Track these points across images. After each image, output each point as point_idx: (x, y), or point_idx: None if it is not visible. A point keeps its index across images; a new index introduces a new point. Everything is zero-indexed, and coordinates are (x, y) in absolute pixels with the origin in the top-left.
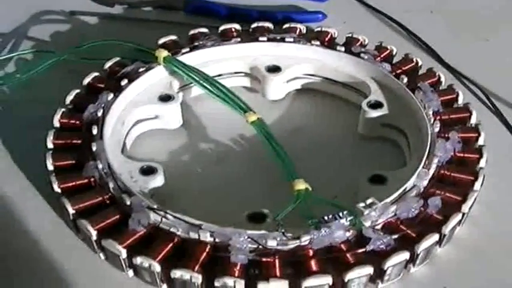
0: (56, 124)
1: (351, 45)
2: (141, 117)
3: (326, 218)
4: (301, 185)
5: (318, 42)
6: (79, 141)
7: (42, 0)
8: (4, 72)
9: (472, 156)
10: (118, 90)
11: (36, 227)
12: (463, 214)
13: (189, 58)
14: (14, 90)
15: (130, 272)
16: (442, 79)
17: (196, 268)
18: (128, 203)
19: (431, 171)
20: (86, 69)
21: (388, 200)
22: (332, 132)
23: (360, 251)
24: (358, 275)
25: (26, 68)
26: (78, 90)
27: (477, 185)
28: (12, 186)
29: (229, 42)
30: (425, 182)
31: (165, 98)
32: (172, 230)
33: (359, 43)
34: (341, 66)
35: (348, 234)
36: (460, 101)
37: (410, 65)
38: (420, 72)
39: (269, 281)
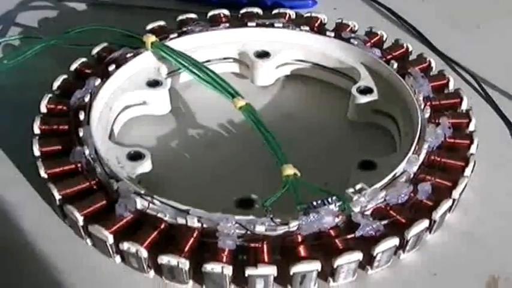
0: (43, 110)
1: (340, 31)
2: (129, 103)
3: (315, 203)
4: (289, 171)
5: (307, 28)
6: (66, 127)
7: None
8: None
9: (462, 142)
10: (106, 75)
11: (22, 213)
12: (454, 200)
13: (177, 44)
14: (1, 76)
15: (118, 258)
16: (433, 65)
17: (184, 254)
18: (115, 188)
19: (422, 157)
20: (73, 55)
21: (378, 185)
22: (322, 118)
23: (349, 236)
24: (347, 261)
25: (13, 54)
26: (65, 76)
27: (468, 171)
28: None
29: (218, 27)
30: (415, 168)
31: (153, 84)
32: (159, 215)
33: (349, 29)
34: (331, 52)
35: (336, 219)
36: (451, 86)
37: (400, 51)
38: (410, 58)
39: (257, 266)
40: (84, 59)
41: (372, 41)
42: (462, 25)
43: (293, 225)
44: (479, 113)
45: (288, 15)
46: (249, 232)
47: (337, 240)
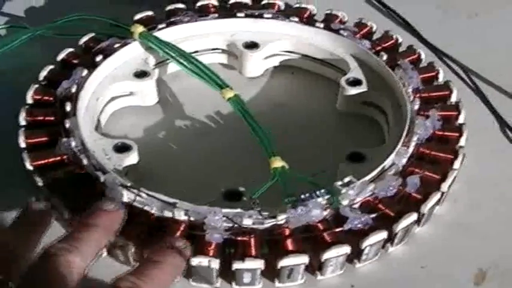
0: (29, 100)
1: (330, 22)
2: (116, 94)
3: (303, 196)
4: (278, 163)
5: (296, 19)
6: (52, 118)
7: None
8: None
9: (452, 135)
10: (93, 66)
11: (7, 206)
12: (443, 193)
13: (165, 34)
14: None
15: (104, 252)
16: (423, 57)
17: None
18: (102, 180)
19: (411, 149)
20: (61, 45)
21: (366, 178)
22: (311, 110)
23: (337, 230)
24: (336, 254)
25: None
26: (52, 66)
27: (457, 164)
28: None
29: (206, 18)
30: (404, 160)
31: (141, 75)
32: (146, 208)
33: (338, 20)
34: (320, 43)
35: (325, 213)
36: (441, 78)
37: (390, 42)
38: (400, 49)
39: (244, 260)
40: (71, 49)
41: (362, 33)
42: (452, 17)
43: (281, 218)
44: (469, 105)
45: (277, 6)
46: (236, 225)
47: (325, 234)
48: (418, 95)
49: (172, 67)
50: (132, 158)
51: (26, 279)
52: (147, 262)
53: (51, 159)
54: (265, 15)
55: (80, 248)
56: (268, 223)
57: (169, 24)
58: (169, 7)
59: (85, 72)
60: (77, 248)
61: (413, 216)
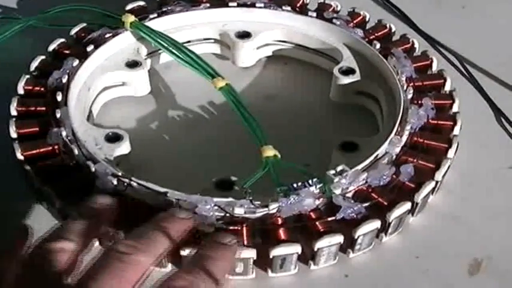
0: (20, 91)
1: (323, 11)
2: (107, 84)
3: (295, 185)
4: (269, 152)
5: (289, 8)
6: (43, 108)
7: None
8: None
9: (445, 123)
10: (84, 56)
11: None
12: (437, 182)
13: (157, 24)
14: None
15: (96, 242)
16: (416, 45)
17: None
18: (93, 170)
19: (404, 138)
20: (52, 35)
21: (359, 167)
22: (304, 99)
23: (330, 219)
24: (328, 243)
25: None
26: (43, 57)
27: (451, 153)
28: None
29: (198, 7)
30: (397, 149)
31: (133, 65)
32: (137, 197)
33: (331, 9)
34: (313, 32)
35: (317, 202)
36: (434, 67)
37: (383, 31)
38: (394, 38)
39: None
40: (62, 40)
41: (355, 22)
42: (446, 6)
43: (273, 207)
44: (463, 94)
45: None
46: (228, 214)
47: (317, 223)
48: (411, 84)
49: (165, 57)
50: (123, 148)
51: (89, 274)
52: (200, 258)
53: (42, 149)
54: (258, 5)
55: (149, 248)
56: (260, 212)
57: (161, 14)
58: None
59: (76, 62)
60: (148, 251)
61: (407, 205)
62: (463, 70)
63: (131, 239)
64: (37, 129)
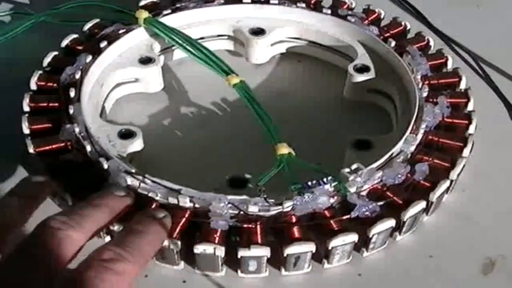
0: (33, 87)
1: (337, 8)
2: (120, 80)
3: (309, 183)
4: (284, 149)
5: (303, 5)
6: (56, 104)
7: None
8: None
9: (461, 122)
10: (97, 52)
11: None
12: (451, 181)
13: (170, 20)
14: None
15: (108, 238)
16: (431, 43)
17: (175, 234)
18: (106, 167)
19: (419, 136)
20: (64, 31)
21: (374, 165)
22: (317, 97)
23: (344, 217)
24: (342, 242)
25: (2, 30)
26: (56, 53)
27: (466, 151)
28: None
29: (212, 4)
30: (412, 148)
31: (146, 61)
32: (150, 195)
33: (346, 6)
34: (327, 29)
35: (332, 200)
36: (449, 65)
37: (398, 29)
38: (409, 36)
39: (250, 248)
40: (75, 35)
41: (370, 19)
42: (461, 3)
43: (287, 205)
44: (478, 92)
45: None
46: (242, 212)
47: (332, 221)
48: (426, 82)
49: (178, 53)
50: (136, 145)
51: (21, 248)
52: (129, 232)
53: (54, 146)
54: (272, 1)
55: (81, 224)
56: (274, 210)
57: (174, 10)
58: None
59: (89, 58)
60: (78, 224)
61: (422, 204)
62: (477, 68)
63: (65, 215)
64: (49, 125)
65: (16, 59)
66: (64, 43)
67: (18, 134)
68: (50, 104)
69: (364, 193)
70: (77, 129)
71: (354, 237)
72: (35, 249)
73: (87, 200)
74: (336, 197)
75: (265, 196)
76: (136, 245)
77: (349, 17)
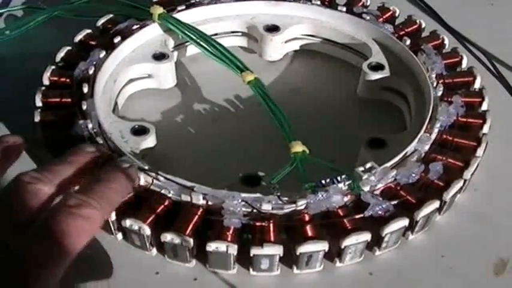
0: (46, 82)
1: (352, 6)
2: (134, 76)
3: (323, 181)
4: (298, 147)
5: (318, 2)
6: (69, 100)
7: None
8: None
9: (475, 121)
10: (111, 47)
11: None
12: (465, 181)
13: (185, 16)
14: (3, 46)
15: (119, 235)
16: (446, 42)
17: (188, 232)
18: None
19: (433, 135)
20: (78, 26)
21: (388, 164)
22: (331, 95)
23: (358, 216)
24: (355, 241)
25: (16, 24)
26: (69, 48)
27: (480, 151)
28: None
29: (226, 0)
30: (426, 147)
31: (159, 57)
32: (163, 192)
33: (361, 3)
34: (342, 27)
35: (345, 199)
36: (464, 64)
37: (413, 27)
38: (423, 34)
39: (263, 246)
40: (88, 31)
41: (384, 17)
42: (475, 2)
43: (301, 203)
44: (492, 92)
45: None
46: (255, 210)
47: (345, 220)
48: (441, 81)
49: (192, 49)
50: (149, 141)
51: None
52: (96, 180)
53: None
54: None
55: (53, 181)
56: (288, 208)
57: (189, 6)
58: None
59: (103, 53)
60: (49, 180)
61: (435, 204)
62: (491, 67)
63: (37, 171)
64: (62, 120)
65: (29, 53)
66: (77, 38)
67: (30, 128)
68: (63, 100)
69: (377, 192)
70: (90, 125)
71: (367, 236)
72: (7, 201)
73: (60, 157)
74: (349, 196)
75: (278, 194)
76: (101, 193)
77: (364, 15)
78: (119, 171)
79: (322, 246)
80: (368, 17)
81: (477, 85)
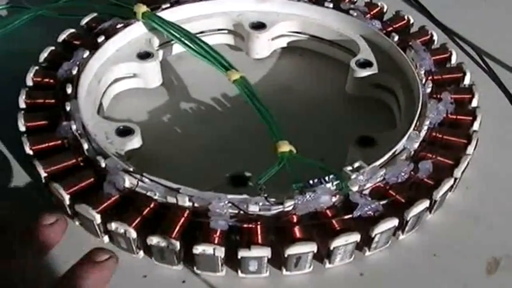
0: (29, 82)
1: (339, 2)
2: (118, 76)
3: (311, 182)
4: (285, 147)
5: None
6: (53, 101)
7: None
8: None
9: (465, 118)
10: (95, 47)
11: (7, 190)
12: (455, 179)
13: (169, 14)
14: None
15: (106, 238)
16: (435, 38)
17: (174, 234)
18: (103, 165)
19: (423, 133)
20: (62, 25)
21: (377, 163)
22: (319, 92)
23: (347, 217)
24: (345, 242)
25: (0, 24)
26: (52, 48)
27: (470, 149)
28: None
29: None
30: (416, 145)
31: (144, 56)
32: (149, 194)
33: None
34: (329, 24)
35: (334, 199)
36: (453, 60)
37: (401, 23)
38: (412, 30)
39: (251, 248)
40: (72, 30)
41: (372, 13)
42: None
43: (288, 204)
44: (482, 88)
45: None
46: (242, 212)
47: (334, 221)
48: (430, 78)
49: (177, 48)
50: (135, 142)
51: None
52: (71, 277)
53: (51, 143)
54: None
55: None
56: (275, 210)
57: (173, 4)
58: None
59: (87, 53)
60: None
61: (425, 203)
62: (481, 63)
63: None
64: (46, 122)
65: (13, 53)
66: (61, 38)
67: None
68: (47, 101)
69: (366, 192)
70: (74, 127)
71: (356, 236)
72: None
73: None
74: (338, 196)
75: (265, 195)
76: None
77: (351, 11)
78: (96, 266)
79: (311, 247)
80: (355, 13)
81: (467, 81)
